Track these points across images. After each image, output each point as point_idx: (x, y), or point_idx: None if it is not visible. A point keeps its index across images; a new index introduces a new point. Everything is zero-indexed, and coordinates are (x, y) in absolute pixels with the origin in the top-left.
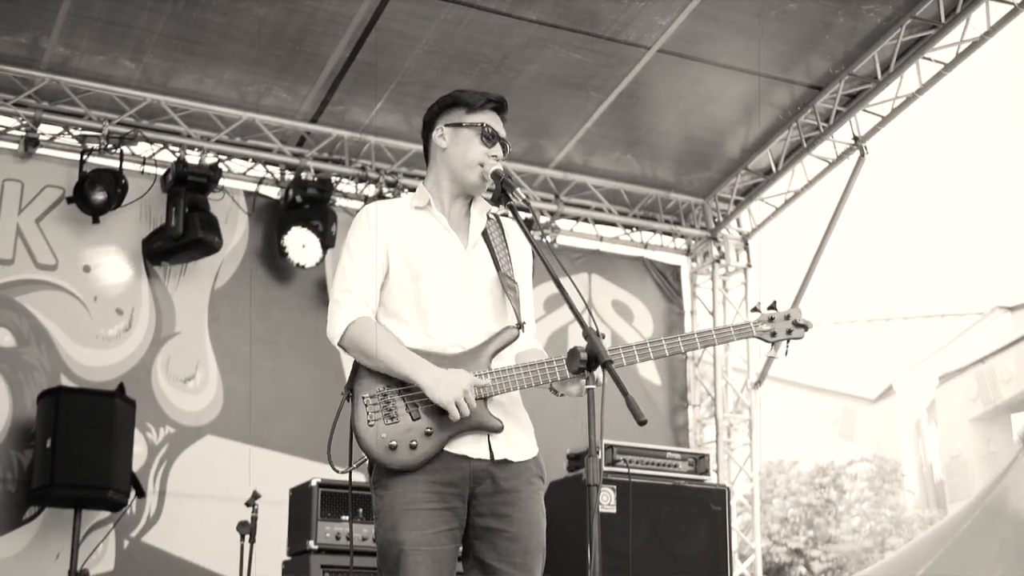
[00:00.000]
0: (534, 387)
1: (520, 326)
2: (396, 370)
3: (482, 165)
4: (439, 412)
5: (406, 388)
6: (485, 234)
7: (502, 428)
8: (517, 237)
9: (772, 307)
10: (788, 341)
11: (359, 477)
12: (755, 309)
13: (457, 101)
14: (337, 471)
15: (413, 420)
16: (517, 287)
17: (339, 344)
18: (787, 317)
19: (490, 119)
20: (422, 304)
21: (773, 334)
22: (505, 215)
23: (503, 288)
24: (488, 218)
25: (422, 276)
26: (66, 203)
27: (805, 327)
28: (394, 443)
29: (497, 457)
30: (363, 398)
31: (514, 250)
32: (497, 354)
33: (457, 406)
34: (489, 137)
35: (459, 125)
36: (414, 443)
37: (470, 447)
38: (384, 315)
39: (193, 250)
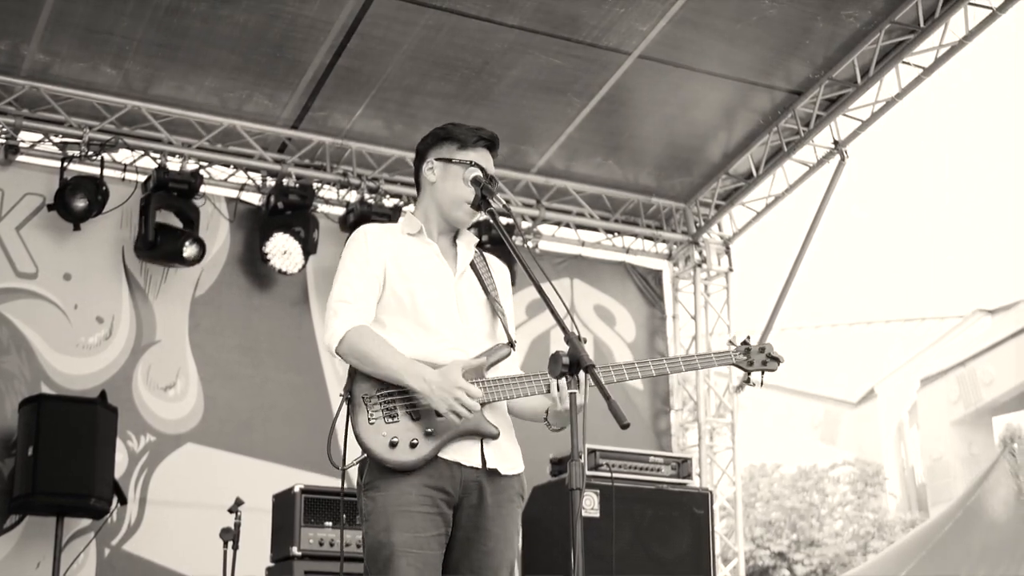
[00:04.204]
0: (527, 396)
1: (512, 344)
2: (391, 376)
3: (468, 203)
4: (438, 413)
5: (405, 390)
6: (473, 265)
7: (498, 434)
8: (499, 271)
9: (746, 342)
10: (763, 372)
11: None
12: (731, 342)
13: (449, 135)
14: (336, 468)
15: (413, 420)
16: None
17: (336, 351)
18: (762, 350)
19: (480, 157)
20: (419, 317)
21: (750, 363)
22: (487, 243)
23: (494, 310)
24: (474, 251)
25: (416, 293)
26: (47, 210)
27: (778, 360)
28: (395, 440)
29: (489, 466)
30: (363, 398)
31: (499, 282)
32: (491, 367)
33: (456, 413)
34: (477, 181)
35: (448, 161)
36: (415, 441)
37: (463, 454)
38: (380, 328)
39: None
